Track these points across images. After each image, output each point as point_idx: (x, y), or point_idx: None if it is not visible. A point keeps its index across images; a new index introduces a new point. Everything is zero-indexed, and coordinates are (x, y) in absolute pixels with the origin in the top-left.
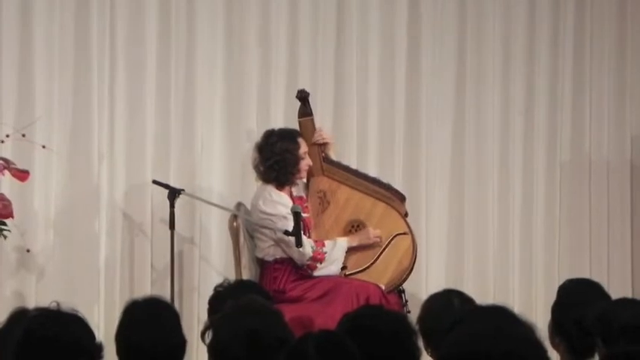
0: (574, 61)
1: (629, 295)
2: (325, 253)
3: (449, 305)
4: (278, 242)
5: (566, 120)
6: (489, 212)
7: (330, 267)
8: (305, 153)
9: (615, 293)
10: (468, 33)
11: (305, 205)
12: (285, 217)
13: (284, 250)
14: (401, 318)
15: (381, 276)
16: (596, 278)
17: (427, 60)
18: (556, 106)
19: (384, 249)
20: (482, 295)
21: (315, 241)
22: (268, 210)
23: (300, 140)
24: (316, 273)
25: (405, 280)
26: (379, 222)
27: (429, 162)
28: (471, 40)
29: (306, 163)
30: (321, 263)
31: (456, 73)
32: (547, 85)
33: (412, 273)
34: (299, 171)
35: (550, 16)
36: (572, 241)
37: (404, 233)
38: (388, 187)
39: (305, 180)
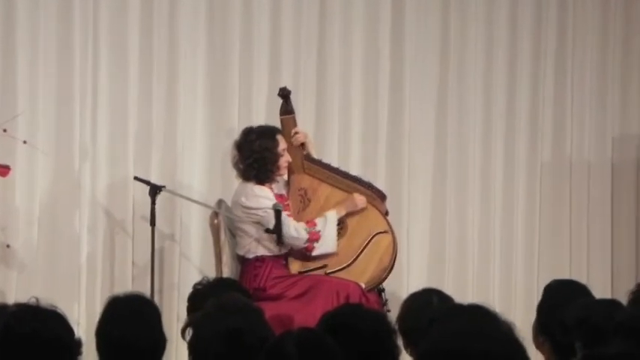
0: (555, 62)
1: (609, 295)
2: (319, 231)
3: (428, 304)
4: (262, 238)
5: (547, 121)
6: (470, 212)
7: (328, 244)
8: (284, 150)
9: (595, 293)
10: (450, 37)
11: (286, 203)
12: (270, 209)
13: (269, 247)
14: (380, 317)
15: (361, 274)
16: (575, 278)
17: (411, 61)
18: (537, 107)
19: (365, 247)
20: (463, 294)
21: (307, 222)
22: (252, 204)
23: (279, 137)
24: (315, 253)
25: (385, 278)
26: (360, 220)
27: (411, 161)
28: (453, 44)
29: (285, 160)
30: (318, 242)
31: (439, 75)
32: (528, 86)
33: (393, 272)
34: (278, 168)
35: (532, 18)
36: (552, 241)
37: (384, 232)
38: (369, 186)
39: (286, 178)
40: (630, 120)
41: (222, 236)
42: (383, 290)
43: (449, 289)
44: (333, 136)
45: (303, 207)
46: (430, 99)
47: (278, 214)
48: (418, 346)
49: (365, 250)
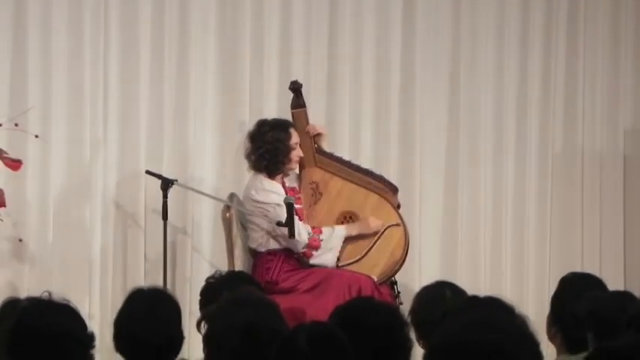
0: (567, 53)
1: (621, 288)
2: (322, 240)
3: (441, 297)
4: (273, 231)
5: (559, 112)
6: (482, 204)
7: (327, 255)
8: (296, 144)
9: (607, 285)
10: (462, 27)
11: (297, 196)
12: (278, 205)
13: (278, 241)
14: (392, 310)
15: (373, 267)
16: (588, 270)
17: (421, 53)
18: (549, 98)
19: (377, 240)
20: (475, 287)
21: (313, 228)
22: (261, 199)
23: (292, 131)
24: (312, 261)
25: (397, 271)
26: (372, 213)
27: (422, 154)
28: (464, 35)
29: (296, 153)
30: (316, 251)
31: (450, 66)
32: (540, 78)
33: (405, 264)
34: (289, 161)
35: (544, 9)
36: (564, 234)
37: (396, 225)
38: (381, 179)
39: (297, 171)
40: None
41: (234, 230)
42: (395, 283)
43: (461, 282)
44: (343, 130)
45: (315, 200)
46: (441, 92)
47: (290, 207)
48: (431, 337)
49: (377, 244)
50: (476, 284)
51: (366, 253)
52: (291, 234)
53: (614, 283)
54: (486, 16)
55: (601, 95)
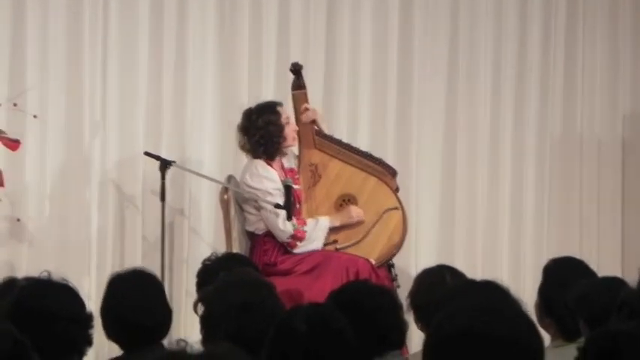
0: (566, 37)
1: (619, 273)
2: (306, 232)
3: (441, 280)
4: (259, 215)
5: (558, 97)
6: (480, 189)
7: (311, 245)
8: (287, 118)
9: (605, 271)
10: (460, 11)
11: (296, 176)
12: (270, 193)
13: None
14: (386, 292)
15: (371, 250)
16: (586, 256)
17: (419, 35)
18: (547, 83)
19: (375, 224)
20: (471, 271)
21: (298, 220)
22: (254, 184)
23: (280, 109)
24: (296, 251)
25: (394, 254)
26: (370, 196)
27: (420, 137)
28: (463, 17)
29: (291, 129)
30: (301, 242)
31: (449, 50)
32: (539, 62)
33: (402, 248)
34: (285, 139)
35: None
36: (562, 219)
37: (395, 208)
38: (380, 162)
39: (296, 152)
40: None
41: (232, 212)
42: (392, 266)
43: (458, 266)
44: (341, 113)
45: (314, 182)
46: (439, 74)
47: (288, 189)
48: (430, 322)
49: (375, 227)
50: (472, 269)
51: (365, 235)
52: (289, 217)
53: (612, 268)
54: (485, 1)
55: (600, 80)
